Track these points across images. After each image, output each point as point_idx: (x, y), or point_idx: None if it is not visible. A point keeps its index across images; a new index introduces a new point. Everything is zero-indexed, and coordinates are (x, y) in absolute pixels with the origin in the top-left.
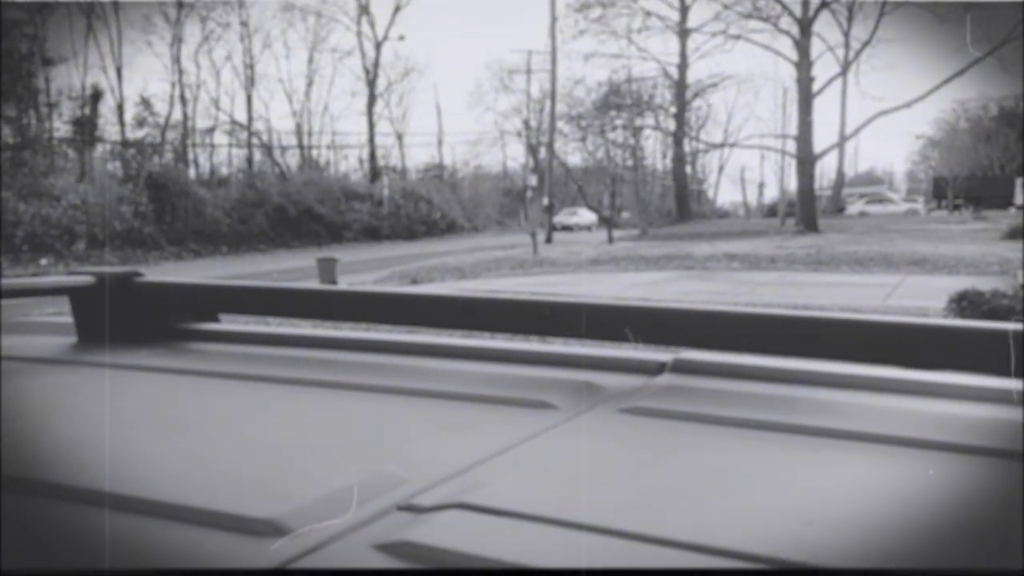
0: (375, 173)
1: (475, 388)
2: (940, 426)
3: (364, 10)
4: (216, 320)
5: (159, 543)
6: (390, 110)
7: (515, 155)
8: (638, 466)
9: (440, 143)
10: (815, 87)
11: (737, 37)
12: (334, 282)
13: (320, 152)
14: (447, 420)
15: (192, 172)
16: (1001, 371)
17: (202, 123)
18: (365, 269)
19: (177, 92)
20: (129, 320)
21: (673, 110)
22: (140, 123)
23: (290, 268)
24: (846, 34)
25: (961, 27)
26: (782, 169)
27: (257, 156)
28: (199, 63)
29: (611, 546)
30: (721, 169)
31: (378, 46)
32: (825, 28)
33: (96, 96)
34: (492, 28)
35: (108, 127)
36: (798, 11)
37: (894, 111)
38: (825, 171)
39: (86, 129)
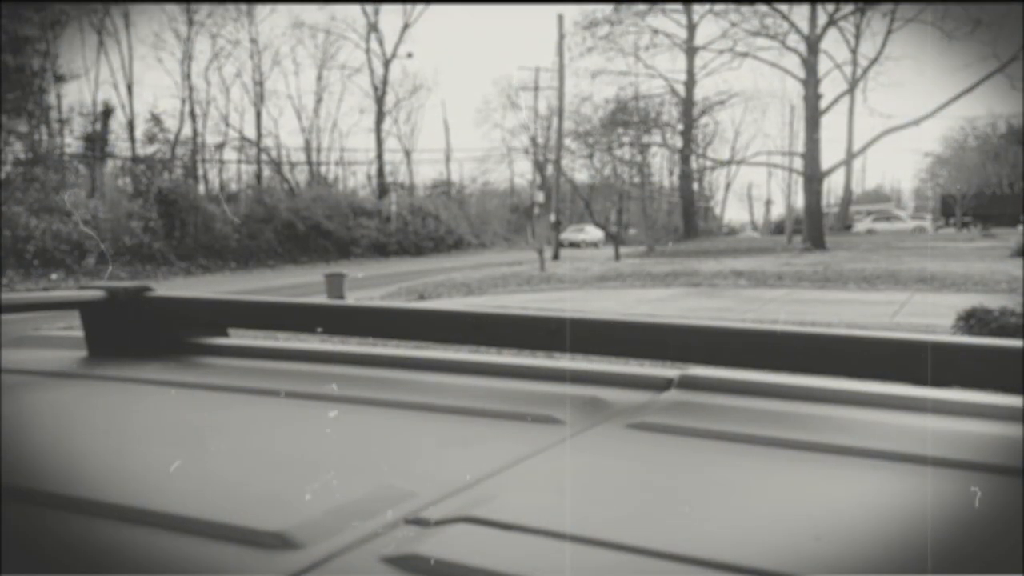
0: (383, 189)
1: (482, 403)
2: (946, 443)
3: (373, 28)
4: (225, 334)
5: (169, 555)
6: (398, 127)
7: (522, 172)
8: (645, 481)
9: (448, 160)
10: (822, 104)
11: (744, 55)
12: (342, 297)
13: (329, 168)
14: (455, 434)
15: (201, 188)
16: (1008, 388)
17: (212, 139)
18: (373, 285)
19: (187, 108)
20: (139, 334)
21: (680, 127)
22: (150, 139)
23: (298, 283)
24: (854, 51)
25: (969, 44)
26: (789, 186)
27: (266, 172)
28: (209, 80)
29: (618, 560)
30: (728, 186)
31: (387, 63)
32: (833, 46)
33: (107, 112)
34: (500, 46)
35: (119, 143)
36: (805, 29)
37: (902, 128)
38: (832, 188)
39: (97, 145)
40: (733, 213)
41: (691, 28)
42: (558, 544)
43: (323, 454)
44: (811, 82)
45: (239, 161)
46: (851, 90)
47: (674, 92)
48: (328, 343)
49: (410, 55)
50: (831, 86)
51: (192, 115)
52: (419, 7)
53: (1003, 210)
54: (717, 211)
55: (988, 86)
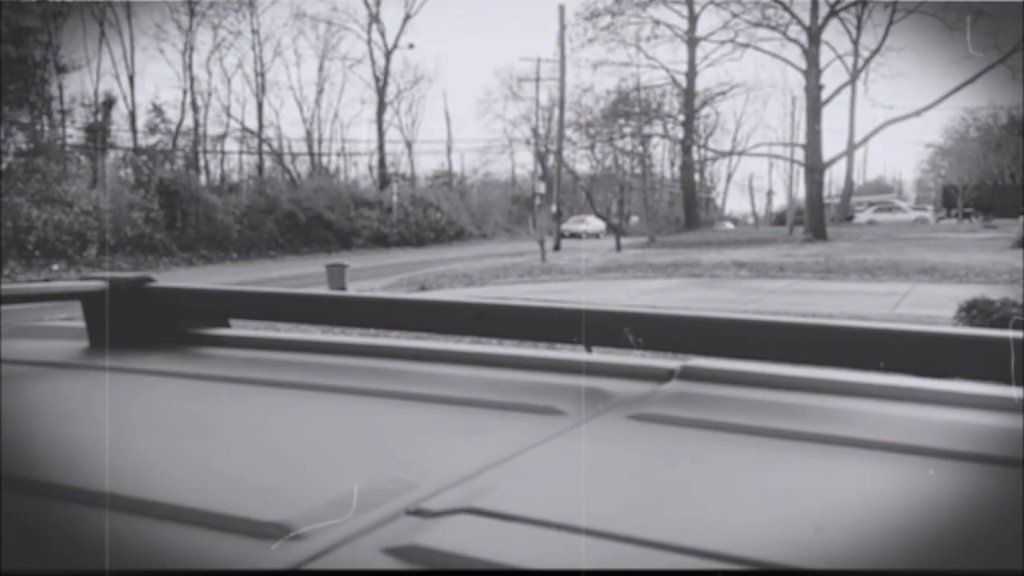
0: (384, 180)
1: (484, 394)
2: (945, 433)
3: (374, 19)
4: (226, 325)
5: (170, 546)
6: (400, 118)
7: (524, 163)
8: (646, 472)
9: (449, 150)
10: (824, 95)
11: (746, 46)
12: (343, 288)
13: (330, 159)
14: (456, 425)
15: (203, 178)
16: (1005, 379)
17: (213, 130)
18: (374, 275)
19: (188, 99)
20: (140, 325)
21: (681, 118)
22: (152, 130)
23: (300, 274)
24: (855, 42)
25: (971, 35)
26: (791, 177)
27: (267, 163)
28: (210, 70)
29: (619, 551)
30: (729, 177)
31: (388, 54)
32: (834, 36)
33: (108, 103)
34: (501, 36)
35: (120, 134)
36: (807, 19)
37: (903, 119)
38: (834, 179)
39: (98, 136)
40: (735, 204)
41: (692, 19)
42: (559, 535)
43: (324, 444)
44: (812, 73)
45: (241, 152)
46: (852, 81)
47: (675, 83)
48: (329, 334)
49: (411, 46)
50: (832, 77)
51: (194, 106)
52: None
53: (1005, 201)
54: (719, 202)
55: (989, 77)
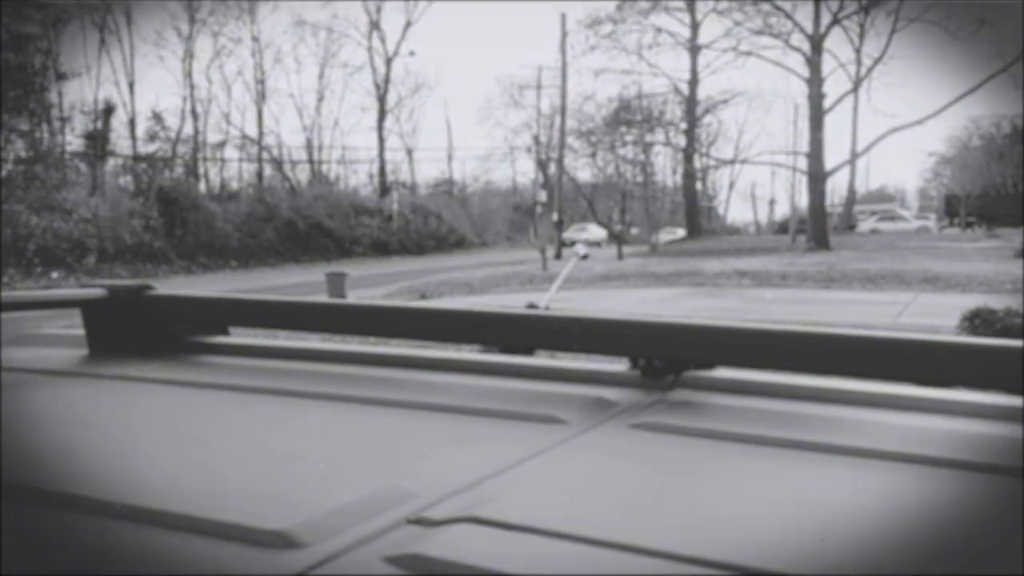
0: (385, 188)
1: (485, 402)
2: (950, 443)
3: (375, 26)
4: (226, 333)
5: (169, 555)
6: (400, 125)
7: (525, 171)
8: (648, 481)
9: (450, 158)
10: (826, 104)
11: (748, 54)
12: (343, 297)
13: (330, 167)
14: (457, 434)
15: (202, 186)
16: (1012, 388)
17: (213, 137)
18: (374, 284)
19: (188, 107)
20: (140, 333)
21: (683, 126)
22: (151, 137)
23: (299, 282)
24: (858, 51)
25: (974, 44)
26: (793, 186)
27: (267, 171)
28: (210, 78)
29: (621, 561)
30: (732, 186)
31: (389, 62)
32: (837, 45)
33: (108, 110)
34: (502, 44)
35: (120, 141)
36: (809, 28)
37: (906, 128)
38: (836, 188)
39: (98, 143)
40: (737, 213)
41: (694, 27)
42: (561, 544)
43: (325, 453)
44: (815, 81)
45: (240, 159)
46: (855, 89)
47: (677, 91)
48: (329, 342)
49: (412, 53)
50: (835, 85)
51: (193, 113)
52: (421, 5)
53: (1007, 210)
54: (721, 211)
55: (992, 86)
